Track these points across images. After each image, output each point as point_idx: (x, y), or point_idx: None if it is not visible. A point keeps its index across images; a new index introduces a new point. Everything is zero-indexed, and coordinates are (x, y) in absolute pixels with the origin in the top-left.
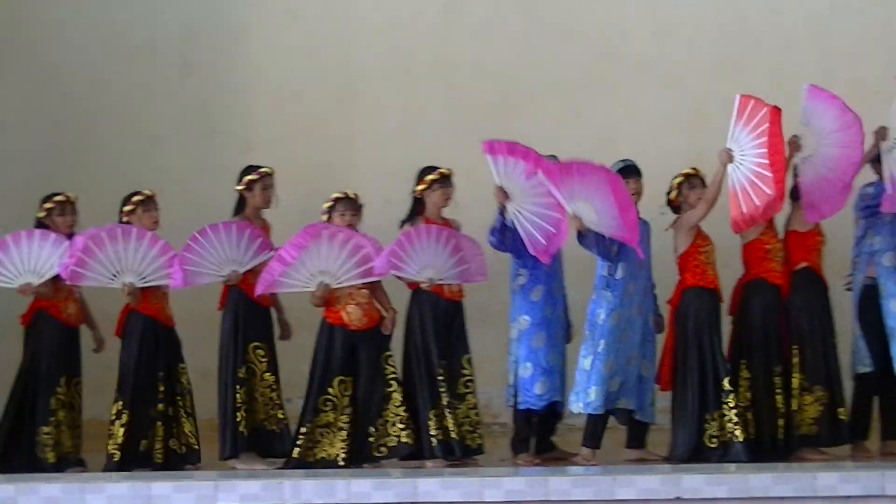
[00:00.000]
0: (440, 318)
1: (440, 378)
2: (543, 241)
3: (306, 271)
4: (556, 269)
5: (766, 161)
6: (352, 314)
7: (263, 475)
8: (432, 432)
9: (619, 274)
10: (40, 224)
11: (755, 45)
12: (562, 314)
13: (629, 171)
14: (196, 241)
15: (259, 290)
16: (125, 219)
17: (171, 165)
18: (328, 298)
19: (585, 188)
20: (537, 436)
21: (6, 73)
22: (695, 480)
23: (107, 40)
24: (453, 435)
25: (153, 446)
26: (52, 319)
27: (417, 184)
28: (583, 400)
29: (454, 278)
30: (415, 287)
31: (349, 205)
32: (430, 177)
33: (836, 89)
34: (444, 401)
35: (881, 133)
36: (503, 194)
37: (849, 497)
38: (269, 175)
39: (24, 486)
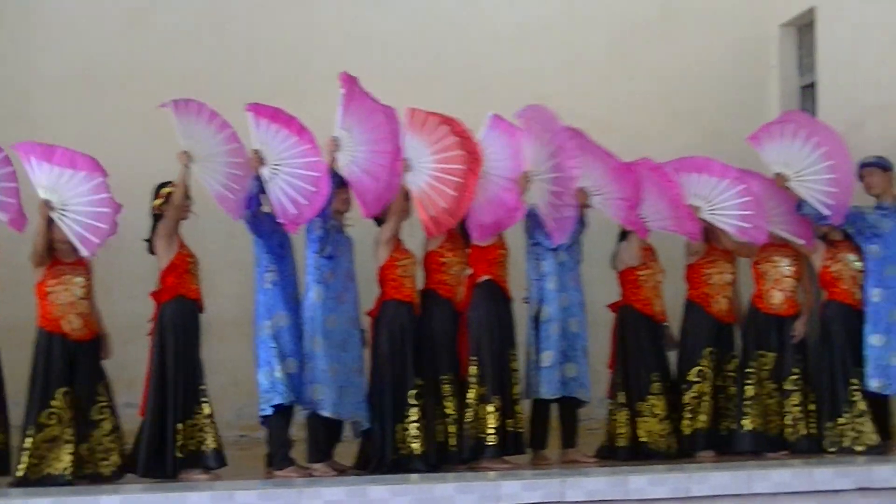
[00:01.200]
0: (193, 330)
1: (202, 388)
2: (294, 210)
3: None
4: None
5: (459, 167)
6: (73, 323)
7: None
8: (179, 444)
9: (331, 280)
10: None
11: (445, 61)
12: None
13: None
14: None
15: None
16: None
17: None
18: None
19: (364, 126)
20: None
21: None
22: (379, 491)
23: None
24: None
25: None
26: None
27: None
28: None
29: None
30: (165, 298)
31: None
32: None
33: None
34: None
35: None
36: (259, 159)
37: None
38: None
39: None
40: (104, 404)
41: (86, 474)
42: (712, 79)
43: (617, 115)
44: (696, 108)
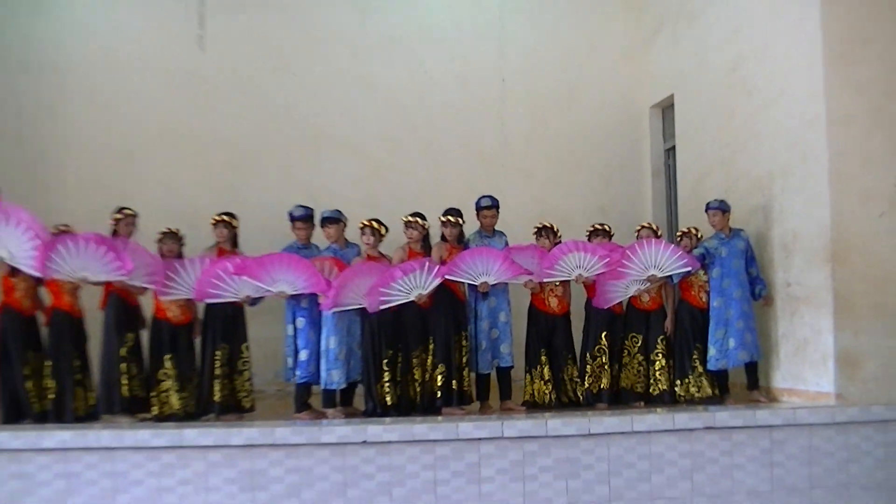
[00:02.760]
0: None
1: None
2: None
3: None
4: None
5: None
6: (174, 311)
7: None
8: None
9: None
10: None
11: (411, 128)
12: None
13: (330, 220)
14: None
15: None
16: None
17: None
18: None
19: (274, 271)
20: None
21: None
22: (374, 429)
23: None
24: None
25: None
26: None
27: None
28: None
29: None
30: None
31: None
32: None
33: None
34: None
35: None
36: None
37: (480, 439)
38: None
39: None
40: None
41: (192, 412)
42: (605, 141)
43: (536, 165)
44: (593, 161)
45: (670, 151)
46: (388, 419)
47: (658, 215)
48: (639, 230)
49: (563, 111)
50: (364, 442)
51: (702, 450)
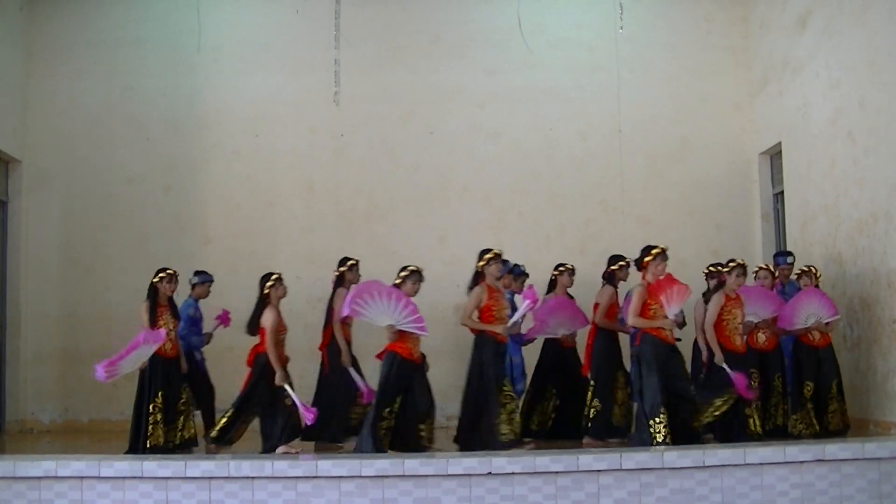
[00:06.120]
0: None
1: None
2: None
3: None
4: None
5: None
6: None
7: None
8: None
9: None
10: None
11: (535, 177)
12: None
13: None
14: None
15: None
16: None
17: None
18: None
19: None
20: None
21: None
22: (499, 462)
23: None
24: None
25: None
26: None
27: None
28: None
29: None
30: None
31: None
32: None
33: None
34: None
35: None
36: None
37: (600, 471)
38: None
39: None
40: None
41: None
42: (716, 188)
43: (653, 211)
44: (705, 208)
45: (779, 196)
46: (511, 451)
47: (768, 257)
48: (756, 271)
49: (677, 160)
50: (489, 473)
51: (812, 481)
